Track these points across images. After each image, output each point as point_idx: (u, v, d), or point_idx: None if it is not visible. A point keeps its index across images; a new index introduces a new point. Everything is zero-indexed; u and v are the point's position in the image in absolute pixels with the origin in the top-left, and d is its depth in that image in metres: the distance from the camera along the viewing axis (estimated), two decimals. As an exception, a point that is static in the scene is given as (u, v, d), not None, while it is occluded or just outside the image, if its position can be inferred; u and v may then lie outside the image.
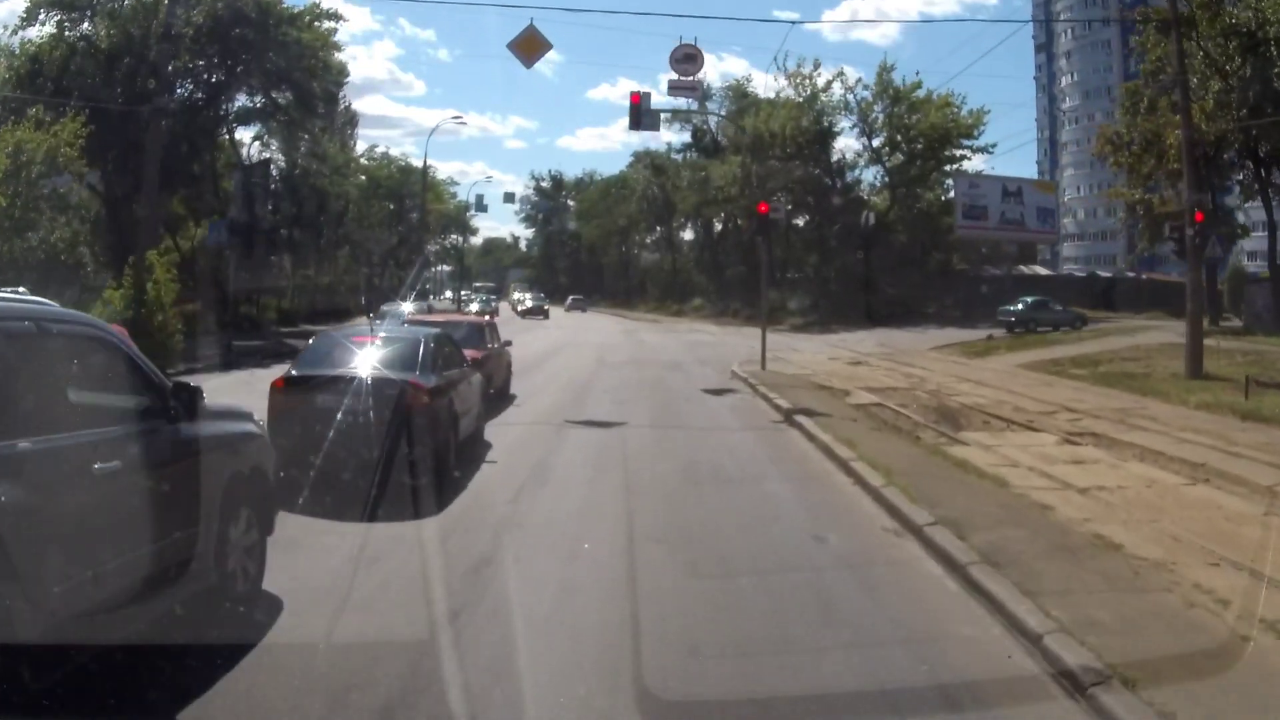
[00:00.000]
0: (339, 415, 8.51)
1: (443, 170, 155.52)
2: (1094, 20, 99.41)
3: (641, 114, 22.00)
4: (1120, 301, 51.60)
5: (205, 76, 36.26)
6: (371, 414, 8.45)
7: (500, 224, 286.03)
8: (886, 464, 9.88)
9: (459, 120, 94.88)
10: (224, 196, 44.91)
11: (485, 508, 8.11)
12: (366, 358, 9.04)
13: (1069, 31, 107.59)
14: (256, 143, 46.97)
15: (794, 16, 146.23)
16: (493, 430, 11.98)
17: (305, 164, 44.82)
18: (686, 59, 19.23)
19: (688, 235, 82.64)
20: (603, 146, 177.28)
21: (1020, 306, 41.43)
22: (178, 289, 20.79)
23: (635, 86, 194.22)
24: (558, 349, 28.86)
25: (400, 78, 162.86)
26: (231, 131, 44.50)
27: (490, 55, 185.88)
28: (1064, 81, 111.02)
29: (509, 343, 16.31)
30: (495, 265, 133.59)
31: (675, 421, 13.94)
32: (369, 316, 10.55)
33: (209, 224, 31.39)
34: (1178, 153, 33.74)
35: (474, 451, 10.35)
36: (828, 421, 13.33)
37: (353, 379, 8.69)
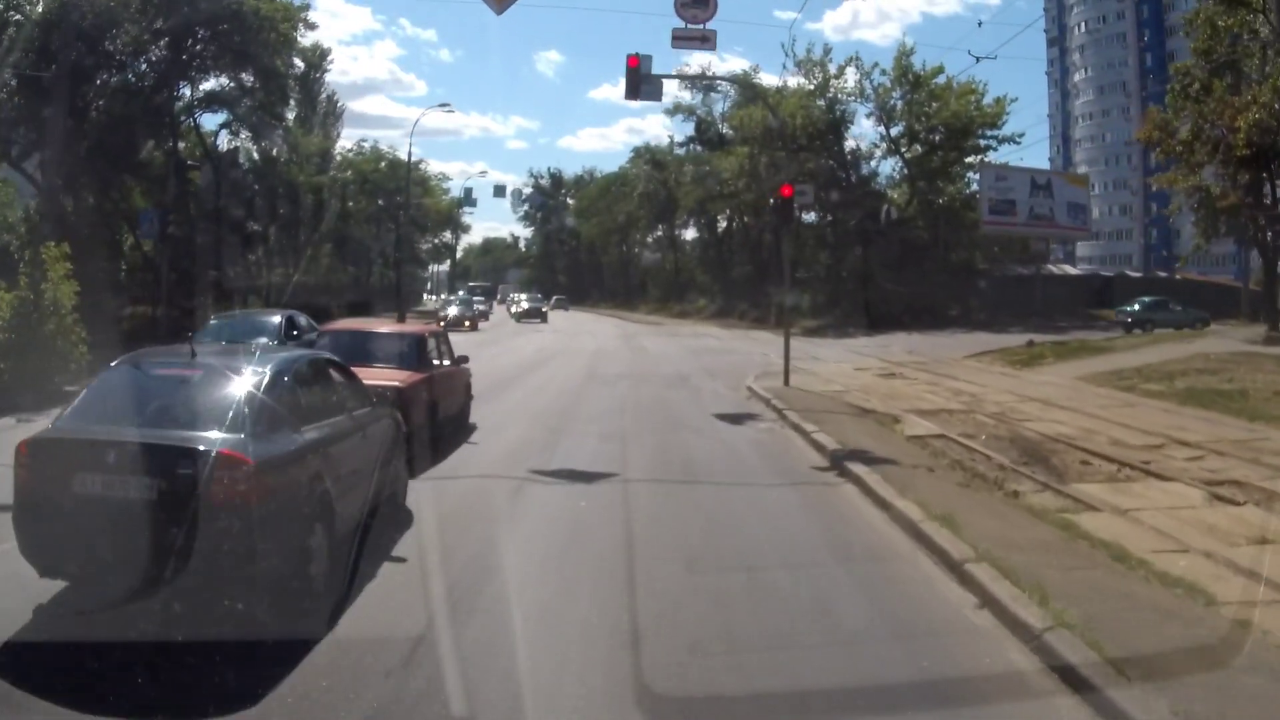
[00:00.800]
0: (103, 509, 4.83)
1: (446, 171, 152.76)
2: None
3: (640, 81, 18.24)
4: (1123, 302, 48.16)
5: (155, 53, 32.59)
6: (156, 508, 4.76)
7: (501, 224, 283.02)
8: (1023, 568, 6.19)
9: (447, 109, 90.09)
10: (196, 189, 41.43)
11: (348, 690, 4.40)
12: (165, 407, 5.33)
13: (1082, 25, 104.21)
14: (224, 131, 43.22)
15: (794, 16, 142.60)
16: (424, 489, 8.31)
17: (277, 153, 41.04)
18: (695, 2, 15.53)
19: (690, 235, 79.19)
20: (604, 146, 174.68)
21: (1137, 307, 40.43)
22: (77, 289, 17.03)
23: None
24: (544, 359, 25.12)
25: (401, 78, 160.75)
26: (195, 117, 40.96)
27: (492, 55, 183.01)
28: (1077, 77, 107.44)
29: (465, 359, 12.55)
30: (495, 265, 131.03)
31: (683, 470, 10.24)
32: (189, 337, 7.29)
33: (139, 214, 27.56)
34: (1245, 138, 30.16)
35: (376, 537, 6.62)
36: (894, 473, 9.63)
37: (128, 446, 4.99)
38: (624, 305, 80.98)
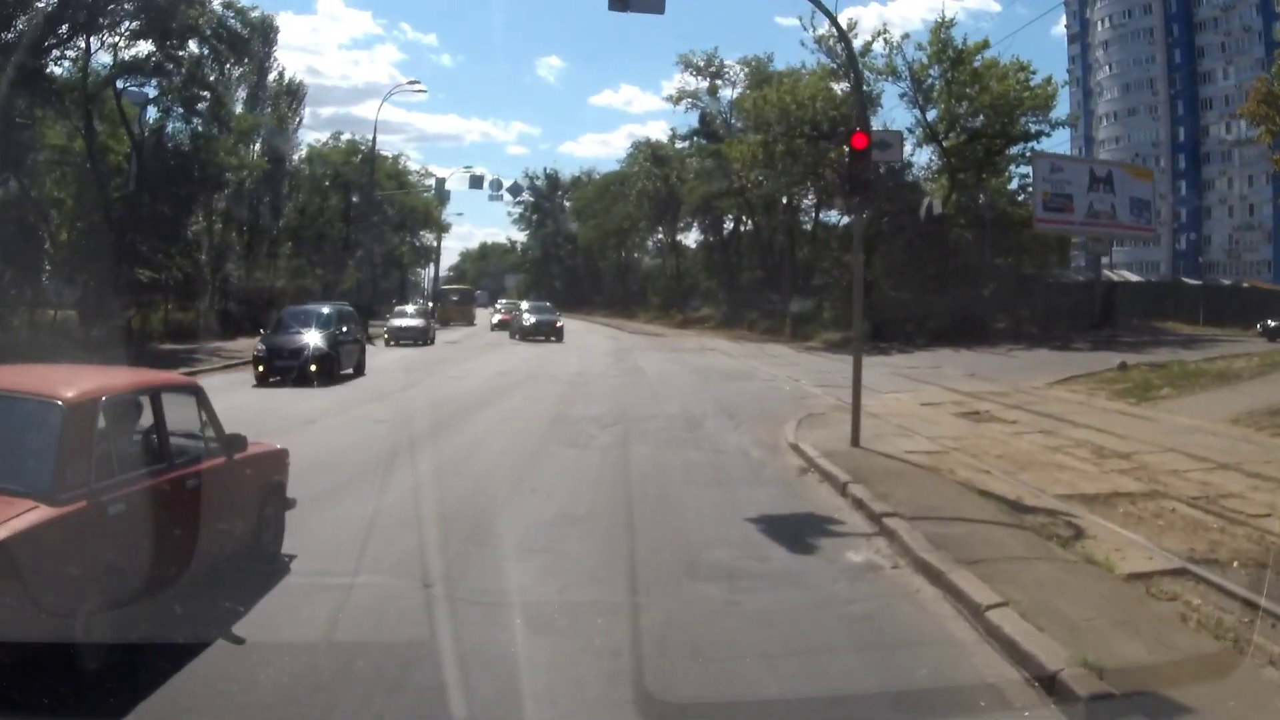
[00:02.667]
0: None
1: (431, 169, 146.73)
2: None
3: (632, -20, 11.91)
4: (1136, 310, 41.40)
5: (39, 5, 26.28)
6: None
7: (501, 229, 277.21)
8: None
9: (418, 88, 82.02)
10: (122, 174, 35.18)
11: None
12: None
13: (1105, 20, 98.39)
14: (152, 108, 36.80)
15: (794, 23, 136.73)
16: None
17: (210, 132, 34.62)
18: None
19: (693, 238, 72.90)
20: (605, 153, 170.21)
21: None
22: None
23: (637, 92, 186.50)
24: (501, 390, 18.49)
25: (402, 82, 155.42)
26: (115, 90, 34.61)
27: (494, 60, 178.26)
28: (1100, 75, 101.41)
29: (238, 442, 5.90)
30: (493, 270, 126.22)
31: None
32: None
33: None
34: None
35: None
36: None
37: None
38: (623, 313, 74.99)
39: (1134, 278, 47.99)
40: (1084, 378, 23.78)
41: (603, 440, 12.09)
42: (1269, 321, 37.92)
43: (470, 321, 53.84)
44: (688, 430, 13.39)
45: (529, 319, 40.63)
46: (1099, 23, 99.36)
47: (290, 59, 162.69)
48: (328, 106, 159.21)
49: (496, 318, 51.14)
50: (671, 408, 15.94)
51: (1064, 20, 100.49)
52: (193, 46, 33.91)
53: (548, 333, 38.71)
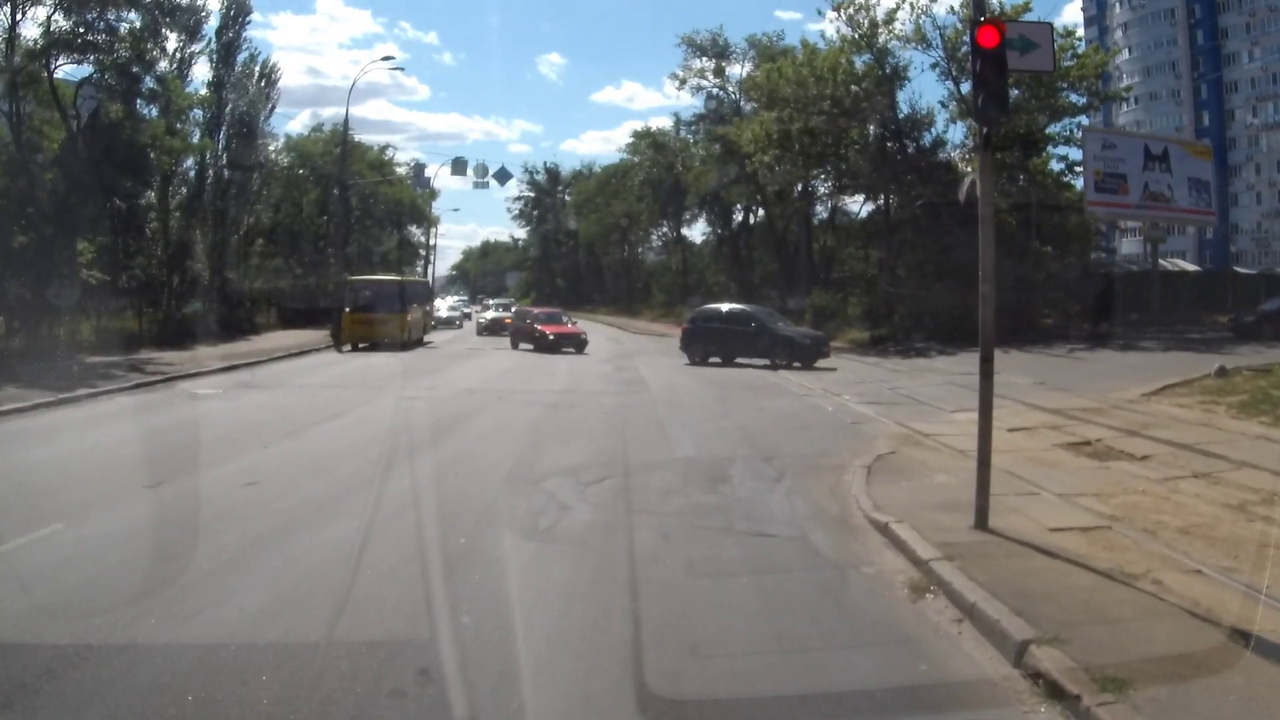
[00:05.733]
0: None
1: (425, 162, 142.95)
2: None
3: None
4: (1190, 303, 36.43)
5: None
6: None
7: (504, 227, 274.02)
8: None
9: (395, 66, 77.11)
10: (59, 165, 31.16)
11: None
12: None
13: (1125, 1, 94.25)
14: (90, 86, 32.65)
15: (796, 17, 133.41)
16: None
17: (139, 112, 30.52)
18: None
19: (699, 231, 68.81)
20: (607, 150, 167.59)
21: None
22: None
23: (639, 88, 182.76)
24: (462, 416, 14.20)
25: (403, 81, 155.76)
26: (48, 66, 30.56)
27: (494, 58, 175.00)
28: (1120, 58, 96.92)
29: None
30: (495, 268, 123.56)
31: None
32: None
33: None
34: None
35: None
36: None
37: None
38: (626, 311, 70.98)
39: (1190, 267, 43.55)
40: (1181, 386, 19.49)
41: (580, 518, 7.80)
42: (1244, 316, 31.27)
43: (403, 339, 32.85)
44: (710, 489, 9.13)
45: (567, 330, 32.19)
46: (1117, 4, 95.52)
47: (290, 59, 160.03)
48: (329, 107, 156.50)
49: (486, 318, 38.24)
50: (685, 447, 11.64)
51: (1079, 2, 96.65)
52: (133, 18, 30.05)
53: (569, 344, 31.11)
